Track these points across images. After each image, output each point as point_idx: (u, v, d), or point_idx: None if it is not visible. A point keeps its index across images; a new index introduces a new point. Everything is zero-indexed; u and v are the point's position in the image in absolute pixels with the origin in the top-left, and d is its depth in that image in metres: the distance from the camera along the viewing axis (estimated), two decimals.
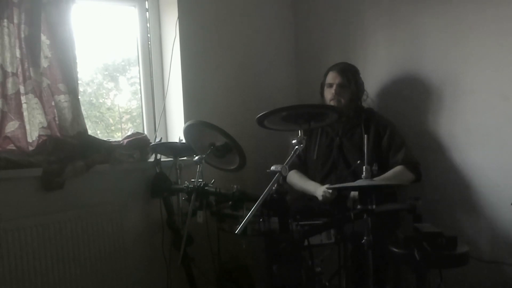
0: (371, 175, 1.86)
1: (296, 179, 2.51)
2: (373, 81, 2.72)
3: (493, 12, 2.30)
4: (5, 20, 2.00)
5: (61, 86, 2.13)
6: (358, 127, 2.44)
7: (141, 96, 2.71)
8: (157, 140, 2.52)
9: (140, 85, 2.70)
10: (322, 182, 2.40)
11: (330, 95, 2.47)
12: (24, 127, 2.07)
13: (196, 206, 2.09)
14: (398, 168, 2.33)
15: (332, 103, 2.46)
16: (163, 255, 2.41)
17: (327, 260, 2.09)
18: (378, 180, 2.05)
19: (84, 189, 2.22)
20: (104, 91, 2.78)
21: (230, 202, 1.98)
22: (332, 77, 2.48)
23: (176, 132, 2.65)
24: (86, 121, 2.26)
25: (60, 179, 2.10)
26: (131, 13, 2.66)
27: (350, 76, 2.46)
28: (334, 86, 2.45)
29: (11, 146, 2.06)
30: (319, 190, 2.32)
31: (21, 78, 2.04)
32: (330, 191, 2.25)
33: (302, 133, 1.89)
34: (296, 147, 1.85)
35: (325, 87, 2.51)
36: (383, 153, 2.38)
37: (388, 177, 2.27)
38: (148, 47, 2.68)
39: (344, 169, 2.41)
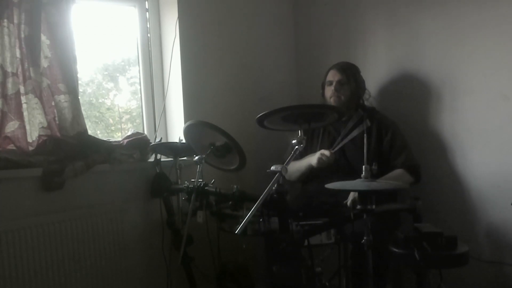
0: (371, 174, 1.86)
1: (293, 165, 2.46)
2: (373, 81, 2.71)
3: (493, 13, 2.30)
4: (5, 20, 2.00)
5: (61, 86, 2.13)
6: (360, 127, 2.44)
7: (141, 96, 2.71)
8: (157, 140, 2.52)
9: (140, 85, 2.70)
10: (323, 182, 2.39)
11: (330, 92, 2.48)
12: (24, 127, 2.07)
13: (196, 206, 2.09)
14: (398, 171, 2.33)
15: (331, 100, 2.47)
16: (163, 255, 2.41)
17: (327, 260, 2.09)
18: (377, 182, 2.04)
19: (84, 189, 2.22)
20: (104, 91, 2.78)
21: (230, 202, 1.98)
22: (331, 75, 2.50)
23: (176, 132, 2.65)
24: (86, 121, 2.26)
25: (60, 179, 2.10)
26: (131, 13, 2.66)
27: (350, 73, 2.47)
28: (334, 83, 2.47)
29: (11, 146, 2.06)
30: (314, 157, 2.33)
31: (21, 78, 2.04)
32: (327, 153, 2.27)
33: (302, 133, 1.89)
34: (296, 147, 1.84)
35: (326, 86, 2.53)
36: (383, 154, 2.38)
37: (387, 179, 2.27)
38: (148, 47, 2.68)
39: (346, 168, 2.40)
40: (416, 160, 2.39)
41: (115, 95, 2.82)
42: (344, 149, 2.44)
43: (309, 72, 3.05)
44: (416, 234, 1.84)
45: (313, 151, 2.51)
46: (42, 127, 2.09)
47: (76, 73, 2.21)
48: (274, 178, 1.71)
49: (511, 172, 2.29)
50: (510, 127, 2.28)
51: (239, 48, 2.88)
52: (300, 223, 1.84)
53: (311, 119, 1.93)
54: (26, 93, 2.05)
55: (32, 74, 2.05)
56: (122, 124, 2.82)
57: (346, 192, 2.21)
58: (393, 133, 2.40)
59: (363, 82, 2.54)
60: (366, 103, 2.56)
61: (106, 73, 2.74)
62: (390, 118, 2.49)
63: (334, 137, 2.48)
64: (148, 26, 2.68)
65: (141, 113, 2.72)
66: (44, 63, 2.11)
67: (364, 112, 2.48)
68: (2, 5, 1.99)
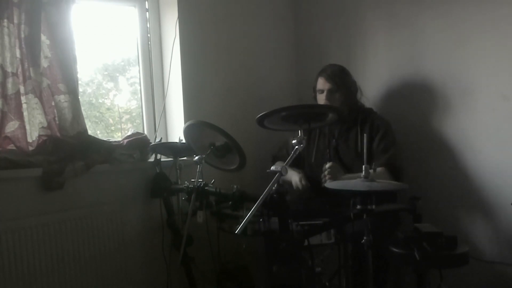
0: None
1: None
2: (373, 81, 2.72)
3: (493, 14, 2.30)
4: (5, 20, 2.00)
5: (61, 86, 2.13)
6: (354, 128, 2.44)
7: (141, 96, 2.71)
8: (157, 140, 2.52)
9: (140, 85, 2.70)
10: (319, 183, 2.39)
11: (322, 101, 2.47)
12: (24, 127, 2.07)
13: (196, 206, 2.09)
14: (378, 170, 2.30)
15: None
16: (163, 255, 2.41)
17: (327, 260, 2.09)
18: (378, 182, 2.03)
19: (84, 189, 2.22)
20: (103, 91, 2.78)
21: (230, 202, 1.98)
22: (321, 83, 2.48)
23: (176, 132, 2.65)
24: (86, 121, 2.26)
25: (60, 179, 2.10)
26: (131, 13, 2.66)
27: (338, 80, 2.44)
28: (325, 92, 2.45)
29: (11, 146, 2.06)
30: (294, 178, 2.40)
31: (21, 78, 2.04)
32: (304, 183, 2.36)
33: (302, 133, 1.89)
34: (296, 147, 1.84)
35: (317, 93, 2.52)
36: (373, 153, 2.38)
37: None
38: (148, 47, 2.68)
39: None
40: (400, 161, 2.37)
41: (115, 95, 2.82)
42: (338, 149, 2.45)
43: (309, 72, 3.03)
44: (416, 234, 1.84)
45: (310, 153, 2.52)
46: (42, 127, 2.09)
47: (76, 73, 2.21)
48: (274, 178, 1.71)
49: (511, 172, 2.29)
50: (509, 128, 2.28)
51: (239, 48, 2.88)
52: (300, 223, 1.85)
53: (311, 119, 1.94)
54: (26, 93, 2.05)
55: (32, 74, 2.05)
56: (122, 124, 2.82)
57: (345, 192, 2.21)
58: (383, 133, 2.39)
59: (354, 83, 2.51)
60: (361, 101, 2.55)
61: (106, 73, 2.74)
62: (386, 119, 2.48)
63: (329, 139, 2.49)
64: (148, 26, 2.68)
65: (141, 113, 2.72)
66: (44, 63, 2.11)
67: (359, 113, 2.47)
68: (2, 5, 1.99)
